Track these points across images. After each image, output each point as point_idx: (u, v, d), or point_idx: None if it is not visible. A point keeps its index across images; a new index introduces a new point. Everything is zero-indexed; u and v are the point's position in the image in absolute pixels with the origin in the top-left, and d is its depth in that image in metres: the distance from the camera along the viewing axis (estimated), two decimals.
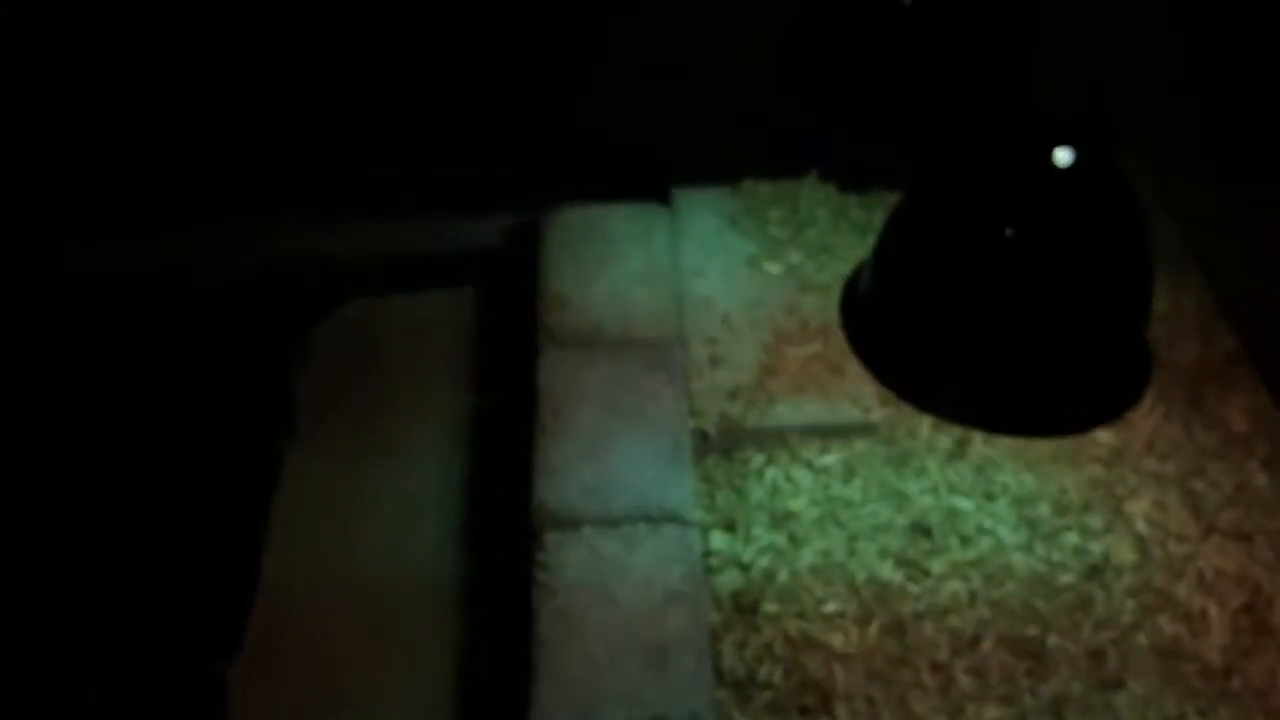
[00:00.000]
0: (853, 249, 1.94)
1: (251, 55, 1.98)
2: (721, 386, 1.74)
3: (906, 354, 1.07)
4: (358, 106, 2.04)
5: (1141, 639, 1.50)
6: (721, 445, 1.69)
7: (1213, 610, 1.52)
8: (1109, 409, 1.06)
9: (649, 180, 2.08)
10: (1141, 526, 1.62)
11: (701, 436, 1.69)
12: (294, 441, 1.86)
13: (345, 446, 1.85)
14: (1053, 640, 1.49)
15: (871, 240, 2.01)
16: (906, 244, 1.06)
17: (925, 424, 1.73)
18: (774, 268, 1.91)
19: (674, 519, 1.55)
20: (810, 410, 1.71)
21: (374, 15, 1.96)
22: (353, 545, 1.72)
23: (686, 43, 2.00)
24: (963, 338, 0.98)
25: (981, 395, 1.01)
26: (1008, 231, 0.96)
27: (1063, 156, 0.92)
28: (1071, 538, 1.60)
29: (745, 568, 1.56)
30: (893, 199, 2.16)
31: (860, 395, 1.72)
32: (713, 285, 1.89)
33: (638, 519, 1.55)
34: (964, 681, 1.44)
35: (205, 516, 1.94)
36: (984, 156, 0.99)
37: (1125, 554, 1.59)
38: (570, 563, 1.51)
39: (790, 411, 1.71)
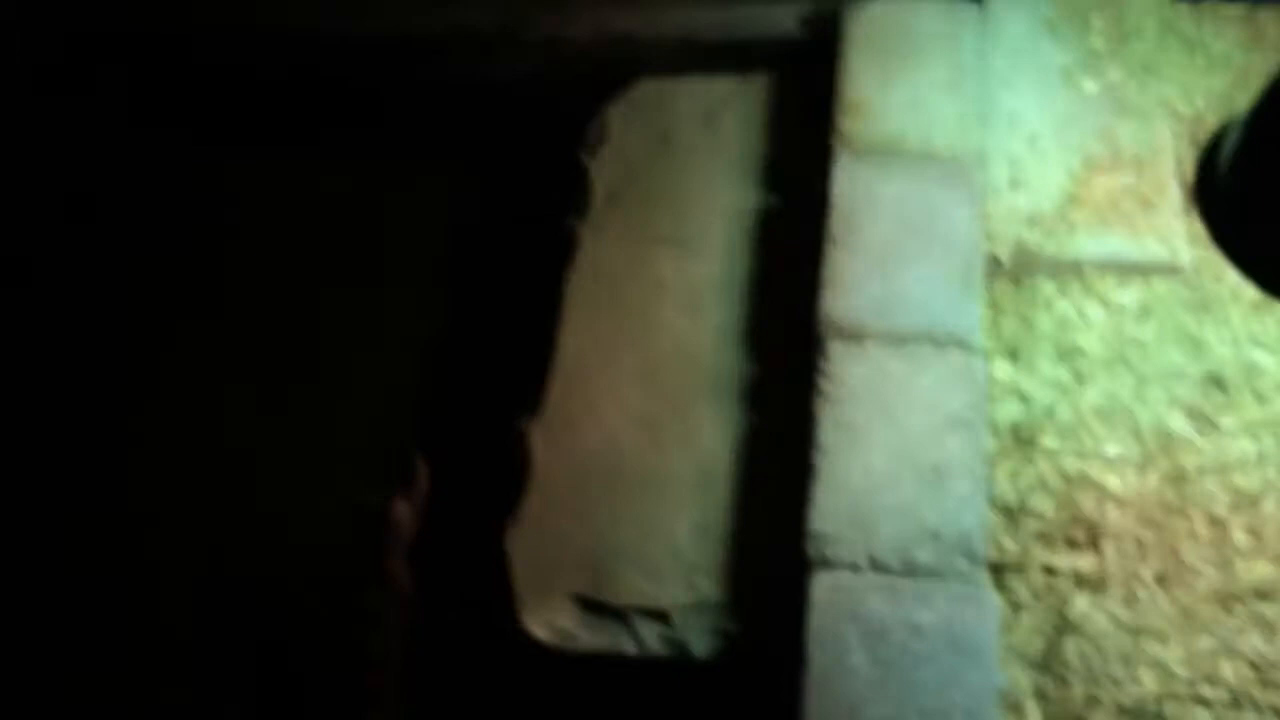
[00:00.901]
0: (1181, 71, 1.80)
1: None
2: (1020, 210, 1.70)
3: (1264, 232, 1.03)
4: None
5: None
6: (1013, 272, 1.69)
7: None
8: None
9: None
10: None
11: (994, 261, 1.68)
12: (587, 220, 1.96)
13: (635, 230, 1.93)
14: None
15: (1202, 61, 1.87)
16: None
17: (1232, 271, 1.65)
18: (1090, 85, 1.80)
19: (960, 344, 1.58)
20: (1112, 244, 1.66)
21: None
22: (640, 328, 1.83)
23: None
24: None
25: None
26: None
27: None
28: None
29: (1026, 400, 1.59)
30: (1232, 11, 1.98)
31: (1169, 234, 1.65)
32: (1021, 99, 1.80)
33: (923, 340, 1.58)
34: (1239, 538, 1.46)
35: (500, 286, 2.10)
36: None
37: None
38: (854, 375, 1.57)
39: (1090, 243, 1.67)
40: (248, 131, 2.34)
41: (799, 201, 1.90)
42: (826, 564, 1.45)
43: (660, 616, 1.60)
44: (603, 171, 2.01)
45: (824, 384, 1.57)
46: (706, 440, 1.72)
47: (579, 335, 1.85)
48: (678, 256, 1.90)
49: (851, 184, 1.73)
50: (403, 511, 1.93)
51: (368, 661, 1.88)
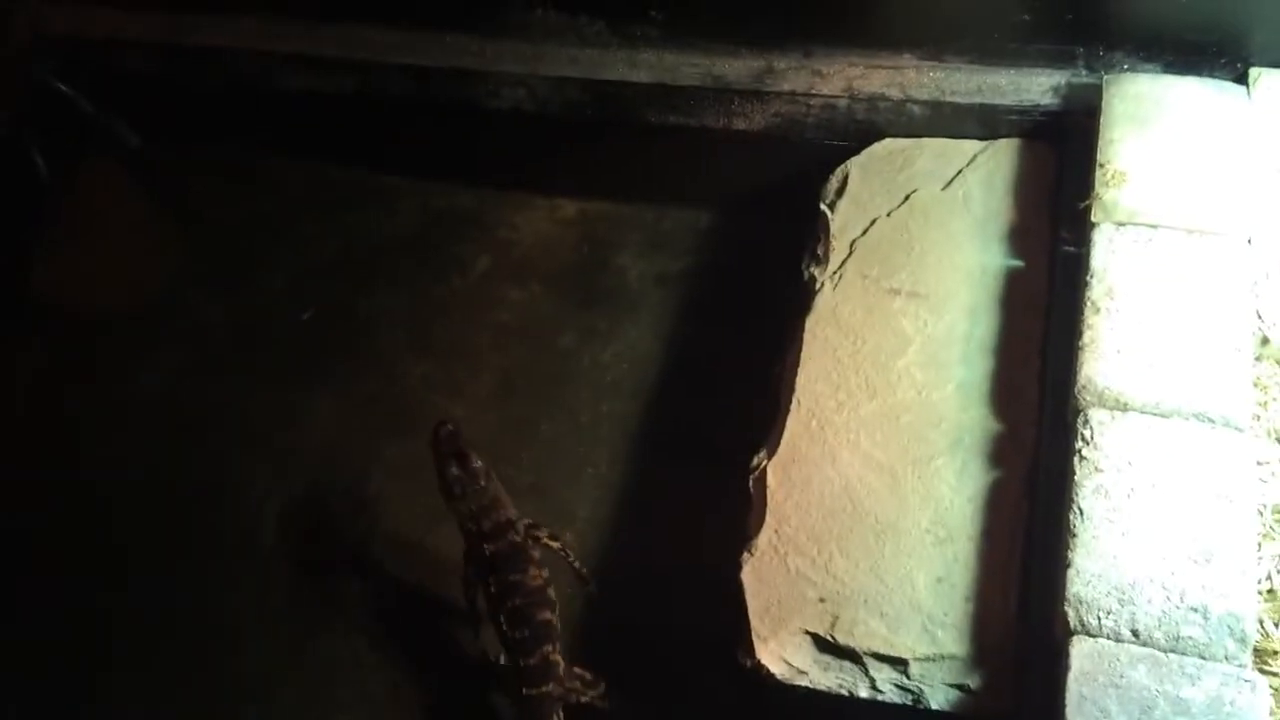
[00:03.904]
0: None
1: None
2: None
3: None
4: None
5: None
6: None
7: None
8: None
9: (1218, 54, 1.96)
10: None
11: (1261, 341, 1.67)
12: (827, 269, 2.01)
13: (873, 281, 1.98)
14: None
15: None
16: None
17: None
18: None
19: (1228, 423, 1.57)
20: None
21: None
22: (879, 377, 1.87)
23: None
24: None
25: None
26: None
27: None
28: None
29: None
30: None
31: None
32: None
33: (1190, 415, 1.58)
34: None
35: (738, 324, 2.16)
36: None
37: None
38: (1116, 444, 1.57)
39: None
40: (505, 167, 2.50)
41: (1043, 266, 1.92)
42: (1086, 630, 1.45)
43: (898, 663, 1.62)
44: (843, 222, 2.07)
45: (1085, 450, 1.58)
46: (946, 493, 1.74)
47: (817, 379, 1.90)
48: (917, 310, 1.93)
49: (1113, 253, 1.75)
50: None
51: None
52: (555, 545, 1.97)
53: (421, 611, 2.14)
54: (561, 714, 1.85)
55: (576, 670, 1.89)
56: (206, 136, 2.77)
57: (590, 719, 1.90)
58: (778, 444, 1.84)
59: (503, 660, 1.91)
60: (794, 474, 1.81)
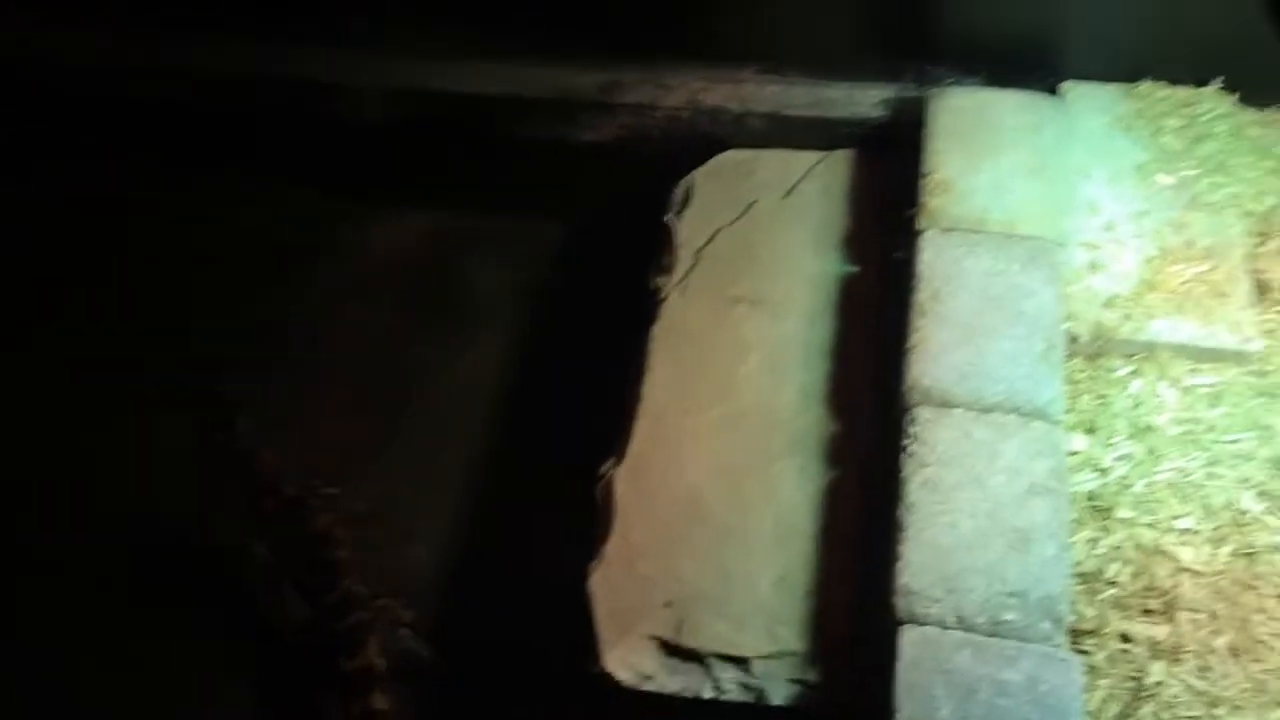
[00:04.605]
0: (1251, 171, 1.91)
1: None
2: (1098, 293, 1.79)
3: None
4: None
5: None
6: (1090, 350, 1.77)
7: None
8: None
9: (1034, 68, 2.07)
10: None
11: (1072, 339, 1.76)
12: (671, 279, 2.04)
13: (718, 290, 2.02)
14: None
15: (1270, 163, 1.97)
16: None
17: None
18: (1164, 180, 1.90)
19: (1043, 416, 1.65)
20: (1186, 330, 1.75)
21: None
22: (723, 383, 1.91)
23: None
24: None
25: None
26: None
27: None
28: None
29: (1103, 471, 1.66)
30: None
31: (1240, 323, 1.74)
32: (1099, 190, 1.90)
33: (1009, 410, 1.66)
34: None
35: (585, 336, 2.18)
36: None
37: None
38: (941, 440, 1.64)
39: (1165, 327, 1.75)
40: (357, 182, 2.47)
41: (876, 271, 1.99)
42: (915, 620, 1.50)
43: (740, 663, 1.65)
44: (687, 233, 2.11)
45: (912, 446, 1.64)
46: (787, 494, 1.79)
47: (663, 387, 1.92)
48: (760, 317, 1.98)
49: (938, 258, 1.82)
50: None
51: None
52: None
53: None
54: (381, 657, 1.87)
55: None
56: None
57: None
58: (625, 452, 1.86)
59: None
60: (641, 481, 1.83)
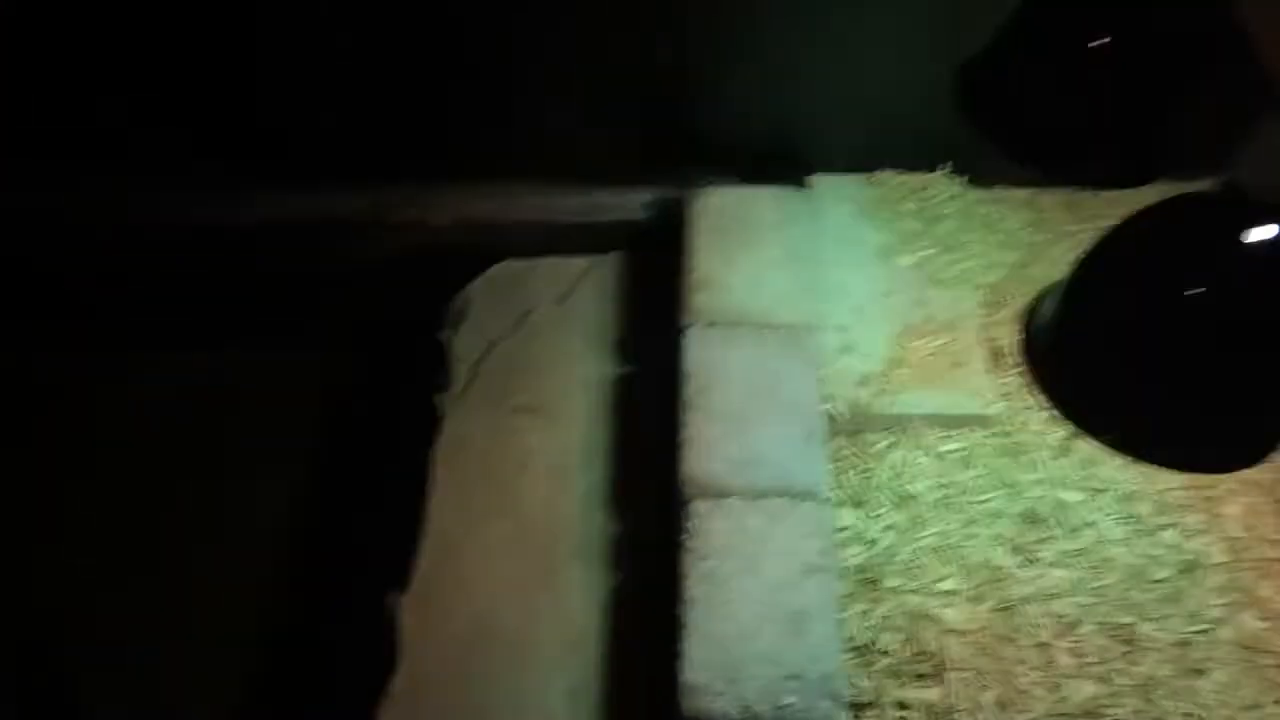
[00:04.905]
0: (981, 245, 2.06)
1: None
2: (852, 372, 1.89)
3: (1086, 386, 1.20)
4: (508, 75, 2.16)
5: (1227, 632, 1.66)
6: (850, 428, 1.86)
7: None
8: (1261, 449, 1.18)
9: (785, 166, 2.20)
10: (1234, 529, 1.77)
11: (831, 419, 1.85)
12: (450, 395, 2.05)
13: (497, 403, 2.03)
14: (1146, 628, 1.65)
15: (997, 238, 2.13)
16: (1097, 290, 1.17)
17: (1037, 419, 1.87)
18: (905, 261, 2.04)
19: (811, 496, 1.72)
20: (933, 400, 1.86)
21: None
22: (507, 497, 1.91)
23: (827, 37, 2.07)
24: (1143, 381, 1.10)
25: (1151, 431, 1.14)
26: (1193, 292, 1.08)
27: (1262, 231, 1.02)
28: (1169, 536, 1.75)
29: (870, 543, 1.73)
30: (1020, 195, 2.26)
31: (980, 389, 1.87)
32: (847, 274, 2.02)
33: (779, 494, 1.72)
34: (1064, 660, 1.62)
35: (367, 464, 2.14)
36: (1176, 222, 1.10)
37: (1217, 554, 1.74)
38: (717, 531, 1.68)
39: (915, 399, 1.86)
40: (106, 326, 2.36)
41: (652, 370, 2.05)
42: (701, 715, 1.52)
43: None
44: (464, 348, 2.12)
45: (689, 541, 1.68)
46: (576, 604, 1.79)
47: (447, 507, 1.91)
48: (541, 426, 2.00)
49: (704, 353, 1.89)
50: None
51: None
52: None
53: None
54: None
55: None
56: None
57: None
58: (410, 580, 1.83)
59: None
60: (428, 609, 1.80)
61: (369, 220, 2.21)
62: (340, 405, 2.32)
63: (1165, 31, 1.22)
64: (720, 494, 1.72)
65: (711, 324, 1.93)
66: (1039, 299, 1.30)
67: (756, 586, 1.62)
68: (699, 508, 1.71)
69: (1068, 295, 1.20)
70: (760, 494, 1.72)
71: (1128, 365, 1.09)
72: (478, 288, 2.20)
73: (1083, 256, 1.20)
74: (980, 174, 2.19)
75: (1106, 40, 1.24)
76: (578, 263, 2.23)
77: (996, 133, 1.44)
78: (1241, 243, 1.02)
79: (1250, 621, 1.68)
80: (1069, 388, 1.18)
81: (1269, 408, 1.12)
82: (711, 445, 1.78)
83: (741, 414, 1.81)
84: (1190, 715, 1.58)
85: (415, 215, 2.23)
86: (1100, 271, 1.16)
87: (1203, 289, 1.04)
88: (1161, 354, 1.07)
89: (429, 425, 2.02)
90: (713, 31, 2.07)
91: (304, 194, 2.21)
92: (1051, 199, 2.19)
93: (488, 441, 1.98)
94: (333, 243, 2.23)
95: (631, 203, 2.24)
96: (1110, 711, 1.57)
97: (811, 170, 2.20)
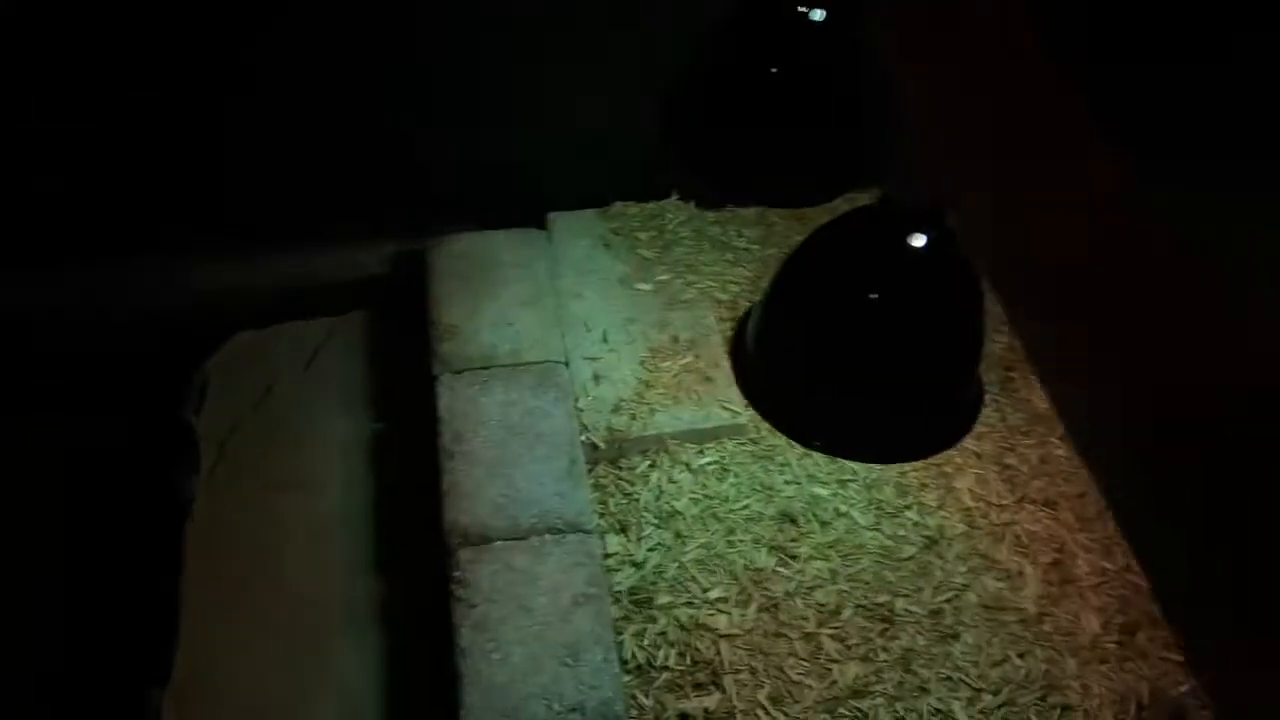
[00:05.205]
0: (715, 265, 2.16)
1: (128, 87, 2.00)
2: (606, 400, 1.93)
3: (783, 390, 1.27)
4: (231, 140, 2.10)
5: (971, 597, 1.78)
6: (610, 455, 1.89)
7: (1027, 568, 1.82)
8: (955, 433, 1.29)
9: (526, 205, 2.24)
10: (967, 500, 1.91)
11: (592, 448, 1.88)
12: (200, 476, 1.95)
13: (251, 477, 1.96)
14: (900, 604, 1.75)
15: (730, 256, 2.23)
16: (789, 302, 1.26)
17: None
18: (645, 286, 2.11)
19: (576, 528, 1.74)
20: (685, 416, 1.92)
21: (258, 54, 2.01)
22: (268, 573, 1.84)
23: (544, 83, 2.13)
24: (834, 381, 1.19)
25: (843, 428, 1.23)
26: (873, 296, 1.17)
27: (916, 239, 1.13)
28: (912, 515, 1.87)
29: (639, 565, 1.76)
30: (749, 213, 2.38)
31: (728, 400, 1.94)
32: (591, 306, 2.06)
33: (544, 531, 1.73)
34: (830, 646, 1.69)
35: (118, 555, 2.00)
36: (854, 234, 1.20)
37: (956, 525, 1.87)
38: (485, 576, 1.68)
39: (668, 418, 1.91)
40: None
41: (407, 423, 2.02)
42: None
43: None
44: (209, 427, 2.03)
45: (459, 590, 1.66)
46: (350, 673, 1.74)
47: (205, 592, 1.82)
48: (297, 497, 1.94)
49: (456, 401, 1.89)
50: None
51: None
52: None
53: None
54: None
55: None
56: None
57: None
58: (170, 673, 1.73)
59: None
60: (193, 702, 1.70)
61: (102, 299, 2.09)
62: (85, 497, 2.16)
63: (822, 65, 1.33)
64: (485, 539, 1.72)
65: (461, 371, 1.93)
66: (744, 320, 1.38)
67: (529, 625, 1.62)
68: (465, 556, 1.70)
69: (763, 316, 1.28)
70: (525, 533, 1.73)
71: (820, 372, 1.17)
72: (216, 362, 2.11)
73: (772, 279, 1.29)
74: (708, 196, 2.30)
75: (775, 72, 1.34)
76: (320, 325, 2.18)
77: (695, 163, 1.53)
78: (898, 249, 1.12)
79: (991, 583, 1.81)
80: (775, 402, 1.25)
81: (948, 392, 1.23)
82: (473, 491, 1.77)
83: (500, 456, 1.82)
84: (947, 679, 1.69)
85: (151, 289, 2.12)
86: (784, 290, 1.24)
87: (873, 294, 1.13)
88: (846, 358, 1.16)
89: (180, 510, 1.92)
90: (439, 86, 2.09)
91: (36, 270, 2.07)
92: (779, 213, 2.32)
93: (243, 520, 1.90)
94: (58, 325, 2.08)
95: (371, 259, 2.21)
96: (876, 688, 1.66)
97: (548, 209, 2.25)
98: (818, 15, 1.30)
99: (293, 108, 2.06)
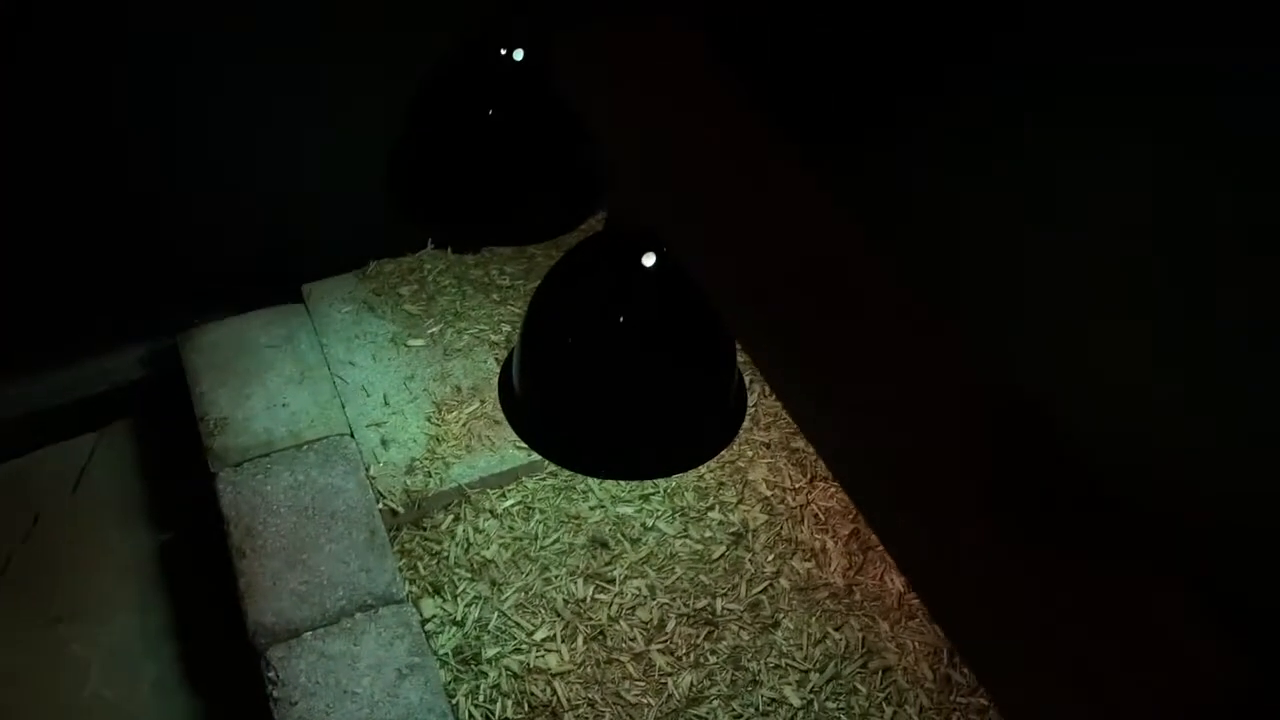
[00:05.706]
0: (482, 308, 2.15)
1: None
2: (397, 464, 1.89)
3: (551, 422, 1.28)
4: None
5: (784, 583, 1.86)
6: (411, 518, 1.86)
7: (829, 543, 1.91)
8: (719, 440, 1.33)
9: (276, 281, 2.16)
10: (764, 489, 1.98)
11: (391, 514, 1.84)
12: None
13: (32, 618, 1.81)
14: (720, 604, 1.81)
15: (496, 296, 2.24)
16: (541, 339, 1.27)
17: None
18: (417, 342, 2.08)
19: (387, 600, 1.70)
20: (481, 464, 1.91)
21: None
22: (67, 712, 1.71)
23: (274, 155, 2.07)
24: (601, 407, 1.21)
25: (612, 451, 1.24)
26: (620, 318, 1.20)
27: (647, 260, 1.16)
28: (715, 515, 1.93)
29: (460, 623, 1.74)
30: (505, 252, 2.39)
31: (521, 440, 1.94)
32: (365, 372, 2.02)
33: (353, 611, 1.68)
34: (660, 661, 1.73)
35: None
36: (586, 262, 1.22)
37: (757, 516, 1.94)
38: (301, 670, 1.62)
39: (464, 469, 1.90)
40: None
41: (196, 529, 1.92)
42: None
43: None
44: None
45: (275, 691, 1.60)
46: None
47: None
48: (87, 627, 1.81)
49: (240, 495, 1.81)
50: None
51: None
52: None
53: None
54: None
55: None
56: None
57: None
58: None
59: None
60: None
61: None
62: None
63: (528, 101, 1.35)
64: (292, 632, 1.66)
65: (240, 463, 1.85)
66: (506, 363, 1.39)
67: (357, 710, 1.58)
68: (275, 654, 1.63)
69: (520, 356, 1.29)
70: (335, 616, 1.68)
71: (585, 401, 1.19)
72: None
73: (524, 314, 1.30)
74: (463, 239, 2.29)
75: (487, 114, 1.35)
76: (83, 443, 2.04)
77: (424, 213, 1.53)
78: (632, 267, 1.16)
79: (799, 565, 1.89)
80: (550, 437, 1.27)
81: (714, 391, 1.27)
82: (271, 586, 1.70)
83: (295, 543, 1.76)
84: (776, 667, 1.75)
85: None
86: (532, 328, 1.25)
87: (619, 316, 1.16)
88: (606, 383, 1.18)
89: None
90: (180, 153, 1.99)
91: None
92: (537, 246, 2.34)
93: (27, 663, 1.76)
94: None
95: (121, 365, 2.09)
96: (711, 691, 1.70)
97: (302, 281, 2.19)
98: (518, 55, 1.33)
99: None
